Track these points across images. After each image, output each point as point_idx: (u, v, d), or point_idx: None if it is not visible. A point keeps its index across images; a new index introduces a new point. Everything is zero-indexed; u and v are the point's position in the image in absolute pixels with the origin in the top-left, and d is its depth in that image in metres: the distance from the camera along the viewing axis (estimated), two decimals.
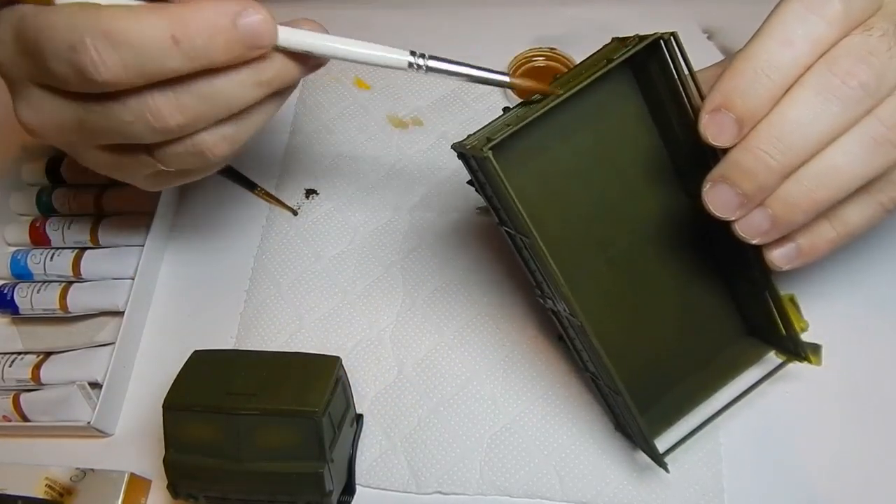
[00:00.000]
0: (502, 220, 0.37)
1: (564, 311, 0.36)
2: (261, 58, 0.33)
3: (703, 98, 0.31)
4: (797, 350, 0.40)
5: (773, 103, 0.29)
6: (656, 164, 0.38)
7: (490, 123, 0.35)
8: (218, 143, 0.35)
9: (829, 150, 0.30)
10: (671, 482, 0.41)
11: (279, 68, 0.34)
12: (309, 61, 0.34)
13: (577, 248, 0.38)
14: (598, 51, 0.35)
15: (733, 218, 0.31)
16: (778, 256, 0.33)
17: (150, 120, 0.32)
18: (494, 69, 0.34)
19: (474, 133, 0.35)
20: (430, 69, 0.34)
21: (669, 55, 0.33)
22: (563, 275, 0.33)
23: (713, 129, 0.30)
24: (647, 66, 0.35)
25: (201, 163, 0.36)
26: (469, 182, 0.38)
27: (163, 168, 0.36)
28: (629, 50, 0.32)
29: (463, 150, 0.34)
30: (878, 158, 0.30)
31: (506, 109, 0.35)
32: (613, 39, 0.35)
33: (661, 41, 0.32)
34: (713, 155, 0.32)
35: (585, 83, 0.32)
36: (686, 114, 0.34)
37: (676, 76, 0.33)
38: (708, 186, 0.31)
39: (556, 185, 0.37)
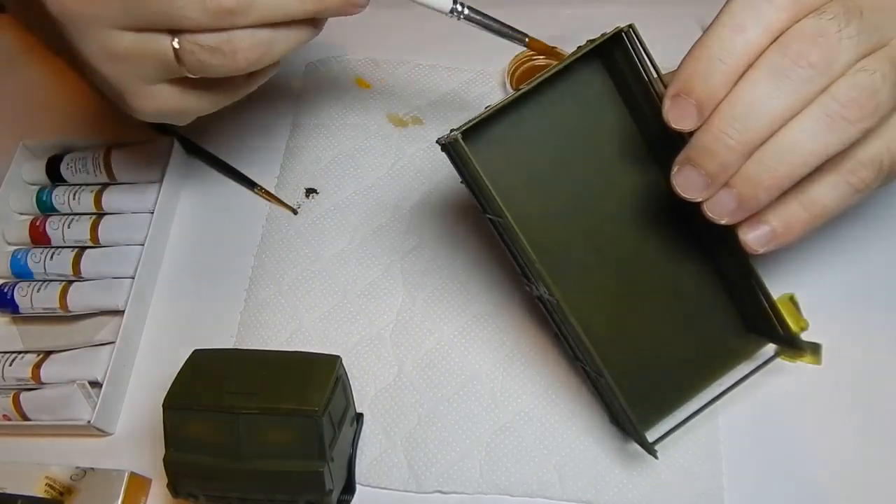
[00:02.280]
0: (483, 206, 0.38)
1: (545, 293, 0.37)
2: None
3: (665, 87, 0.33)
4: (793, 343, 0.40)
5: (730, 86, 0.31)
6: (635, 153, 0.39)
7: (474, 118, 0.36)
8: (252, 46, 0.34)
9: (787, 128, 0.30)
10: (671, 480, 0.42)
11: None
12: None
13: (563, 240, 0.39)
14: (575, 51, 0.37)
15: (700, 199, 0.32)
16: (752, 239, 0.34)
17: None
18: (517, 30, 0.42)
19: (456, 129, 0.36)
20: (466, 17, 0.40)
21: (631, 46, 0.35)
22: (550, 265, 0.35)
23: (675, 114, 0.31)
24: (616, 60, 0.37)
25: (224, 65, 0.35)
26: (462, 182, 0.38)
27: (181, 69, 0.35)
28: (594, 43, 0.34)
29: (443, 142, 0.36)
30: (835, 135, 0.30)
31: (488, 108, 0.36)
32: (588, 41, 0.36)
33: (623, 34, 0.34)
34: (682, 140, 0.33)
35: (551, 73, 0.34)
36: (653, 102, 0.36)
37: (640, 66, 0.35)
38: (675, 170, 0.33)
39: (538, 175, 0.38)
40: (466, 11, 0.39)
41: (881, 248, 0.47)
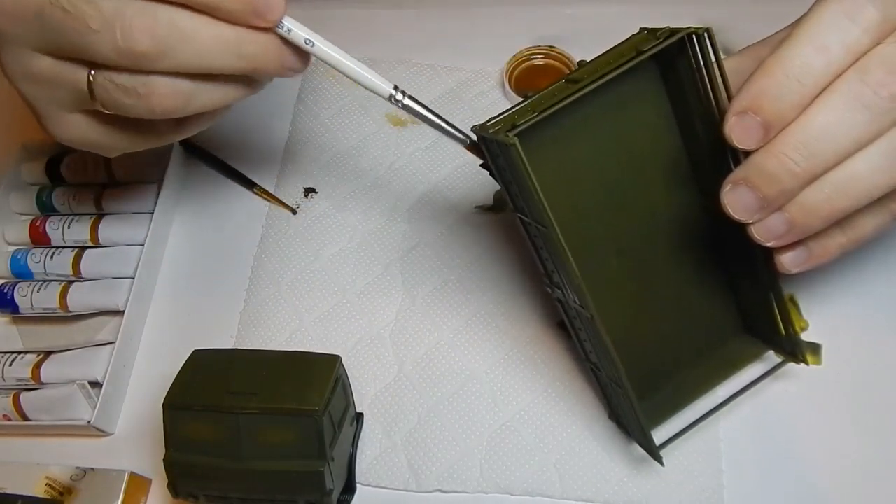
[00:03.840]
0: (518, 207, 0.36)
1: (574, 302, 0.36)
2: (253, 29, 0.32)
3: (730, 98, 0.31)
4: (794, 351, 0.40)
5: (802, 109, 0.29)
6: (674, 160, 0.38)
7: (512, 108, 0.34)
8: (169, 94, 0.32)
9: (854, 159, 0.29)
10: (671, 479, 0.42)
11: (264, 49, 0.33)
12: (288, 61, 0.34)
13: (586, 237, 0.37)
14: (626, 40, 0.34)
15: (751, 221, 0.31)
16: (788, 260, 0.33)
17: (117, 35, 0.30)
18: (460, 129, 0.36)
19: (496, 117, 0.34)
20: (405, 106, 0.36)
21: (701, 52, 0.32)
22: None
23: (739, 132, 0.30)
24: (674, 61, 0.34)
25: (138, 106, 0.33)
26: (482, 165, 0.37)
27: (95, 103, 0.34)
28: (660, 43, 0.32)
29: (485, 134, 0.33)
30: None
31: (528, 96, 0.34)
32: (642, 29, 0.34)
33: (694, 37, 0.32)
34: (734, 155, 0.32)
35: (615, 73, 0.31)
36: (711, 112, 0.34)
37: (706, 74, 0.33)
38: (728, 188, 0.31)
39: (573, 173, 0.36)
40: (406, 101, 0.36)
41: (881, 248, 0.47)
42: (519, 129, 0.31)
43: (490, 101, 0.57)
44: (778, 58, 0.29)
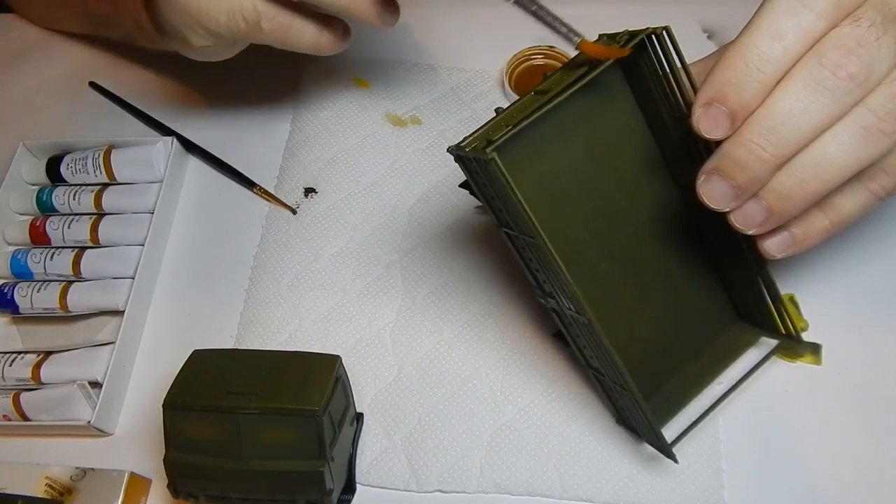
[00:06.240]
0: (502, 221, 0.36)
1: (569, 309, 0.36)
2: None
3: (696, 91, 0.32)
4: (787, 331, 0.41)
5: (765, 96, 0.30)
6: (648, 158, 0.38)
7: (485, 125, 0.34)
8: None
9: (821, 140, 0.30)
10: (671, 478, 0.42)
11: None
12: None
13: (574, 244, 0.38)
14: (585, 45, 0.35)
15: (728, 209, 0.32)
16: (772, 245, 0.34)
17: None
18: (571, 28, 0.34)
19: (469, 136, 0.34)
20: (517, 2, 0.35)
21: (662, 50, 0.33)
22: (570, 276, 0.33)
23: (706, 123, 0.30)
24: (637, 61, 0.35)
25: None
26: (462, 185, 0.37)
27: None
28: (630, 43, 0.32)
29: (462, 153, 0.33)
30: (870, 148, 0.30)
31: (498, 111, 0.35)
32: (601, 36, 0.35)
33: (654, 37, 0.33)
34: (705, 147, 0.32)
35: (580, 84, 0.32)
36: (678, 107, 0.35)
37: (669, 70, 0.34)
38: (702, 179, 0.32)
39: (552, 182, 0.37)
40: None
41: (881, 248, 0.47)
42: (495, 144, 0.31)
43: (490, 101, 0.57)
44: (737, 47, 0.30)
